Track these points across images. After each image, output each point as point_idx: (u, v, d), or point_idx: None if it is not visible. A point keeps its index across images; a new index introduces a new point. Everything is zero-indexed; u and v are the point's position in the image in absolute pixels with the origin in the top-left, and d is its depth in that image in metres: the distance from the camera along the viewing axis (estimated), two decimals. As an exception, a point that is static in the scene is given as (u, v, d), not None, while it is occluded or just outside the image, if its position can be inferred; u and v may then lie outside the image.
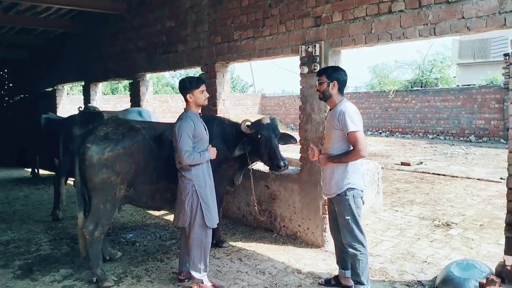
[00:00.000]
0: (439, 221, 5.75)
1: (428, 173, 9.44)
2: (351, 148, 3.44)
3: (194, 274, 3.75)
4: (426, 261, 4.39)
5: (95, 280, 3.94)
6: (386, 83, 20.88)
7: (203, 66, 6.39)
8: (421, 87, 19.80)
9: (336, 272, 3.96)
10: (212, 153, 3.77)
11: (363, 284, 3.50)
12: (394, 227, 5.58)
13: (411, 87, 19.82)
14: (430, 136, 17.18)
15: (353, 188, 3.47)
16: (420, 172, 9.61)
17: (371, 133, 19.32)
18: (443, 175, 9.15)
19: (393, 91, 18.70)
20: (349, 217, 3.46)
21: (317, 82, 3.63)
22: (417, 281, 3.93)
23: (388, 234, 5.31)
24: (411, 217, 6.03)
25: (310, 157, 3.75)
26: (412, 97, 18.20)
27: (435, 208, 6.46)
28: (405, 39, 3.91)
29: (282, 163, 4.29)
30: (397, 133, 18.46)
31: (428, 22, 3.71)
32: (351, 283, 3.69)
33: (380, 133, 19.07)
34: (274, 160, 4.34)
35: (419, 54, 31.33)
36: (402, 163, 10.72)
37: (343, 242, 3.57)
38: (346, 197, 3.46)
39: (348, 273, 3.75)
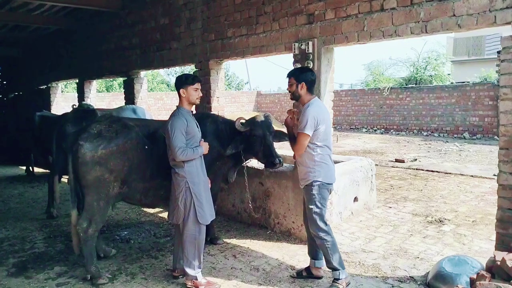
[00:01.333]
0: (432, 218, 5.80)
1: (422, 170, 9.50)
2: (313, 151, 3.70)
3: (188, 270, 3.76)
4: (418, 257, 4.43)
5: (89, 278, 3.95)
6: (380, 80, 20.93)
7: (197, 64, 6.39)
8: (416, 84, 19.87)
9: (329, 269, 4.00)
10: (205, 148, 3.80)
11: (338, 269, 3.67)
12: (387, 223, 5.62)
13: (406, 85, 19.88)
14: (425, 133, 17.26)
15: (318, 181, 3.68)
16: (414, 169, 9.66)
17: (365, 130, 19.38)
18: (437, 172, 9.21)
19: (388, 88, 18.75)
20: (312, 207, 3.70)
21: (288, 84, 3.86)
22: (410, 276, 3.97)
23: (381, 230, 5.34)
24: (405, 213, 6.08)
25: (289, 122, 3.98)
26: (407, 94, 18.27)
27: (428, 205, 6.51)
28: (397, 36, 3.94)
29: (277, 160, 4.32)
30: (391, 130, 18.53)
31: (420, 19, 3.74)
32: (322, 273, 3.94)
33: (375, 130, 19.13)
34: (269, 158, 4.36)
35: (413, 51, 31.42)
36: (396, 160, 10.78)
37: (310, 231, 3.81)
38: (311, 188, 3.69)
39: (318, 263, 3.94)
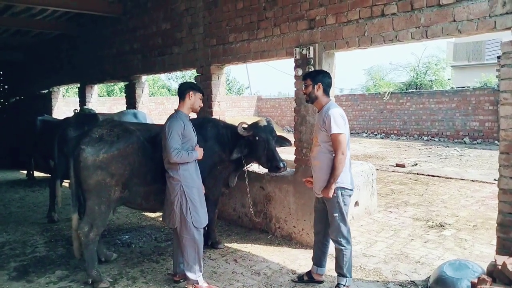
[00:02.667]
0: (432, 222, 5.80)
1: (423, 174, 9.50)
2: (333, 154, 3.58)
3: (189, 274, 3.76)
4: (419, 262, 4.43)
5: (90, 282, 3.95)
6: (381, 85, 20.99)
7: (199, 68, 6.42)
8: (416, 89, 19.91)
9: (329, 273, 4.01)
10: (199, 153, 3.84)
11: (346, 277, 3.67)
12: (388, 228, 5.62)
13: (406, 89, 19.92)
14: (425, 138, 17.28)
15: (342, 187, 3.62)
16: (415, 173, 9.66)
17: (366, 135, 19.40)
18: (438, 176, 9.21)
19: (388, 93, 18.79)
20: (336, 214, 3.63)
21: (303, 85, 3.81)
22: (411, 281, 3.97)
23: (382, 235, 5.35)
24: (405, 218, 6.08)
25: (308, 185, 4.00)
26: (407, 99, 18.30)
27: (429, 209, 6.51)
28: (398, 41, 3.96)
29: (281, 164, 4.35)
30: (392, 135, 18.55)
31: (420, 25, 3.76)
32: (323, 278, 3.96)
33: (375, 135, 19.15)
34: (273, 162, 4.39)
35: (413, 56, 31.46)
36: (397, 165, 10.78)
37: (330, 237, 3.77)
38: (335, 195, 3.59)
39: (320, 270, 3.93)
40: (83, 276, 4.11)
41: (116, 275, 4.22)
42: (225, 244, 5.05)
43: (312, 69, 4.62)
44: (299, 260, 4.53)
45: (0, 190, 8.81)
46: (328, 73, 3.85)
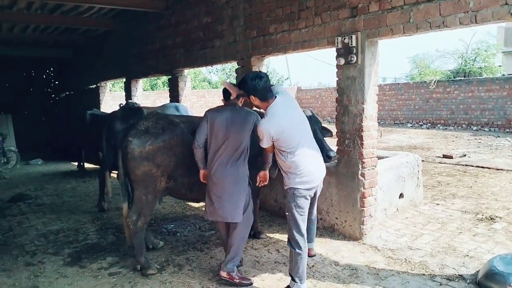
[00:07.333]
0: (482, 215, 5.57)
1: (472, 166, 9.12)
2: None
3: (229, 264, 3.83)
4: (468, 255, 4.28)
5: (139, 268, 4.12)
6: (426, 73, 20.22)
7: (239, 61, 6.46)
8: (464, 77, 19.03)
9: (374, 265, 3.96)
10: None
11: (295, 281, 3.54)
12: (435, 220, 5.46)
13: (454, 77, 19.09)
14: (474, 128, 16.51)
15: (294, 188, 3.45)
16: (463, 165, 9.29)
17: (411, 125, 18.80)
18: (488, 168, 8.81)
19: (435, 81, 18.05)
20: (288, 213, 3.54)
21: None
22: (459, 275, 3.85)
23: (428, 227, 5.20)
24: (453, 210, 5.87)
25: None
26: (455, 87, 17.52)
27: (479, 202, 6.25)
28: (445, 27, 3.81)
29: (332, 153, 4.34)
30: (438, 125, 17.86)
31: (469, 9, 3.59)
32: (313, 253, 4.26)
33: (421, 125, 18.51)
34: (323, 152, 4.36)
35: (461, 42, 30.19)
36: (444, 156, 10.40)
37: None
38: (288, 195, 3.52)
39: (309, 244, 4.03)
40: (133, 263, 4.30)
41: (163, 262, 4.38)
42: (267, 235, 5.10)
43: (355, 58, 4.54)
44: (342, 251, 4.50)
45: (53, 181, 9.32)
46: (251, 77, 3.44)
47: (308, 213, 3.69)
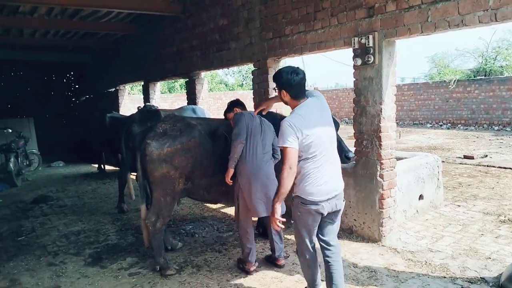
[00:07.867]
0: (505, 217, 5.45)
1: (494, 166, 8.92)
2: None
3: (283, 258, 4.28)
4: (490, 258, 4.19)
5: (158, 268, 4.17)
6: (446, 72, 19.91)
7: (255, 62, 6.48)
8: (485, 76, 18.66)
9: (394, 267, 3.91)
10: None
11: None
12: (455, 222, 5.36)
13: (474, 76, 18.74)
14: (496, 128, 16.16)
15: (299, 197, 3.16)
16: (485, 165, 9.10)
17: (430, 125, 18.52)
18: (510, 168, 8.60)
19: (454, 81, 17.75)
20: (293, 221, 3.32)
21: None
22: (480, 278, 3.78)
23: (449, 229, 5.11)
24: (474, 212, 5.76)
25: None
26: (475, 86, 17.19)
27: (501, 203, 6.11)
28: (464, 26, 3.74)
29: (350, 154, 4.39)
30: (459, 125, 17.54)
31: (489, 7, 3.53)
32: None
33: (441, 125, 18.21)
34: (342, 153, 4.37)
35: (481, 41, 29.57)
36: (465, 157, 10.21)
37: None
38: (293, 202, 3.25)
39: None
40: (152, 263, 4.35)
41: (182, 263, 4.42)
42: (285, 236, 5.08)
43: (372, 59, 4.50)
44: (361, 253, 4.46)
45: (74, 182, 9.50)
46: (285, 71, 3.18)
47: (327, 236, 3.29)
